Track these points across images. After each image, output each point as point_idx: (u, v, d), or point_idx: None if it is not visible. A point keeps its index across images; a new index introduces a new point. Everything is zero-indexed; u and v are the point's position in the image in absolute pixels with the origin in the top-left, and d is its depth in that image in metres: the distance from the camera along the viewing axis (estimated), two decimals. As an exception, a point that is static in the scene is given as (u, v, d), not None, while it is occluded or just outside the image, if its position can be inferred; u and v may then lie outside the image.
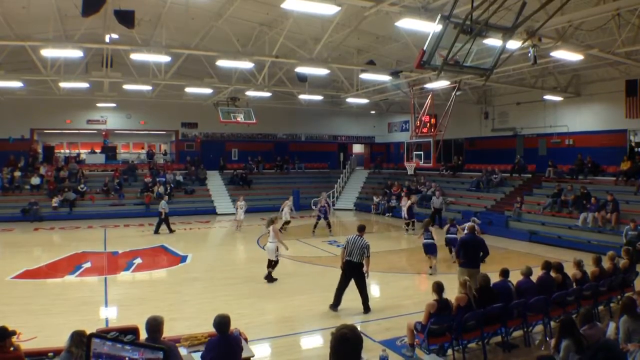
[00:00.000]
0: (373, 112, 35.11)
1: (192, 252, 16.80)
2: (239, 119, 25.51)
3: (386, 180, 31.75)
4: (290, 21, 16.04)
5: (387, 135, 38.35)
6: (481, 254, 10.37)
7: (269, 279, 12.56)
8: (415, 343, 7.59)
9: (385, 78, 20.73)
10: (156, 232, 20.79)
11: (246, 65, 19.39)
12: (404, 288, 12.51)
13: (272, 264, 12.63)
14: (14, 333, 5.76)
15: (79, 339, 5.40)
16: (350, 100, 27.25)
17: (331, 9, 12.42)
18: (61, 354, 5.55)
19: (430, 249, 14.03)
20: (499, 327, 7.94)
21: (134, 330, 6.08)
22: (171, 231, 21.12)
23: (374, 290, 12.43)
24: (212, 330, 5.79)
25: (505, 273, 8.53)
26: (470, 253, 10.29)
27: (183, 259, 16.04)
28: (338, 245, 17.56)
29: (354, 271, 10.01)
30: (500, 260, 13.69)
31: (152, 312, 5.81)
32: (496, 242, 17.58)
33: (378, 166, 35.34)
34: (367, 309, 10.01)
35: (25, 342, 6.19)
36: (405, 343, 7.89)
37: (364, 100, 27.61)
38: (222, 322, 5.65)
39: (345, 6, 12.93)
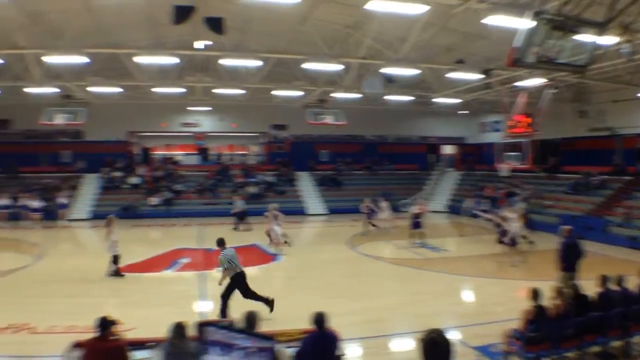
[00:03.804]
0: (463, 112, 35.30)
1: (285, 251, 18.04)
2: (327, 121, 27.19)
3: (479, 182, 31.99)
4: (375, 22, 16.56)
5: (478, 136, 38.32)
6: (578, 257, 10.74)
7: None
8: (511, 350, 7.60)
9: (474, 76, 21.04)
10: (235, 229, 23.63)
11: (333, 67, 20.30)
12: (495, 294, 12.71)
13: None
14: (114, 323, 6.20)
15: (180, 331, 6.06)
16: (439, 100, 27.84)
17: (418, 9, 12.93)
18: (162, 344, 6.16)
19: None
20: (598, 336, 7.85)
21: (232, 324, 6.69)
22: (235, 229, 23.63)
23: (466, 295, 13.28)
24: (304, 327, 6.40)
25: (605, 280, 8.44)
26: (570, 257, 10.69)
27: (275, 257, 17.35)
28: (431, 249, 18.68)
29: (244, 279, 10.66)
30: (599, 267, 13.79)
31: (246, 308, 6.52)
32: (594, 247, 17.15)
33: (471, 167, 35.73)
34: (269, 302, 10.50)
35: (126, 332, 6.76)
36: (500, 350, 7.98)
37: (454, 100, 28.26)
38: (320, 319, 6.19)
39: (432, 4, 13.24)
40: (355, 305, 11.28)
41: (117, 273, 14.43)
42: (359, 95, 26.93)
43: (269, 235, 19.48)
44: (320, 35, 18.66)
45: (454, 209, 31.34)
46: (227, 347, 4.43)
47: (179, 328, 6.05)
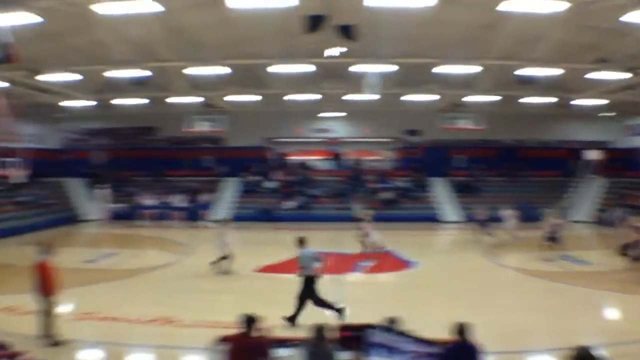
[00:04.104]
0: (607, 114, 33.35)
1: (419, 259, 18.24)
2: (462, 125, 27.72)
3: (625, 190, 30.32)
4: (510, 21, 16.44)
5: (625, 140, 35.91)
6: None
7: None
8: None
9: (618, 76, 20.45)
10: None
11: (467, 69, 20.71)
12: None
13: None
14: (258, 320, 6.60)
15: (321, 332, 6.35)
16: (580, 102, 27.13)
17: (555, 6, 12.98)
18: (303, 344, 6.53)
19: None
20: None
21: (370, 328, 6.82)
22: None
23: (609, 311, 12.86)
24: (440, 336, 6.33)
25: None
26: None
27: (410, 264, 17.64)
28: (573, 261, 18.10)
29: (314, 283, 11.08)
30: None
31: (381, 314, 6.79)
32: None
33: (617, 174, 33.25)
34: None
35: (267, 330, 6.95)
36: None
37: (597, 101, 27.28)
38: (462, 328, 6.24)
39: (569, 1, 13.22)
40: (490, 316, 10.90)
41: (225, 271, 16.09)
42: (495, 98, 26.62)
43: (362, 242, 19.86)
44: (453, 37, 18.79)
45: (599, 219, 29.85)
46: (391, 350, 4.66)
47: (320, 329, 6.38)
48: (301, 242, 11.49)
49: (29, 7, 12.62)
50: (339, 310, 10.93)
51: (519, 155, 35.95)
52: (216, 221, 20.49)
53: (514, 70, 21.47)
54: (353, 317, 9.87)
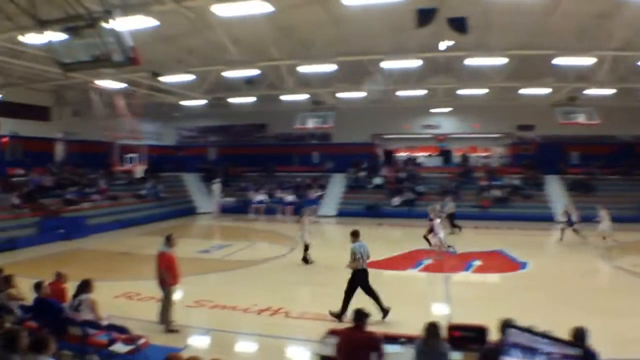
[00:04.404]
0: None
1: (531, 260, 17.59)
2: (578, 120, 25.99)
3: None
4: (628, 9, 15.60)
5: None
6: None
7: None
8: None
9: None
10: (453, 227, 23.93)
11: (585, 61, 19.69)
12: None
13: None
14: (368, 315, 6.68)
15: (435, 330, 6.22)
16: None
17: None
18: (415, 341, 6.44)
19: None
20: None
21: (483, 330, 6.91)
22: (452, 232, 23.69)
23: None
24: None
25: None
26: None
27: (522, 265, 17.02)
28: None
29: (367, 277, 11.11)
30: None
31: (492, 315, 6.70)
32: None
33: None
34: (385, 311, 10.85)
35: (373, 326, 7.04)
36: None
37: None
38: (581, 334, 6.14)
39: None
40: (604, 321, 10.27)
41: (306, 260, 16.99)
42: (613, 91, 25.39)
43: (427, 239, 19.57)
44: (567, 27, 17.97)
45: None
46: (529, 351, 4.44)
47: (434, 327, 6.25)
48: (355, 235, 11.54)
49: (148, 11, 13.48)
50: (385, 310, 10.95)
51: (637, 152, 33.41)
52: (299, 214, 20.94)
53: (634, 62, 20.37)
54: (461, 317, 9.55)
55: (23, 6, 8.64)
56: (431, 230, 19.32)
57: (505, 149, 37.31)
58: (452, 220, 24.59)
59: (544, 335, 4.55)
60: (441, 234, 18.79)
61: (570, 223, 21.95)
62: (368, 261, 11.28)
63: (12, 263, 16.60)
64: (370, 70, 22.11)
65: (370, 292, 11.09)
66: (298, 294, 13.10)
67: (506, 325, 5.06)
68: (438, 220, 19.23)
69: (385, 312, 10.91)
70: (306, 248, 17.30)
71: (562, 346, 4.50)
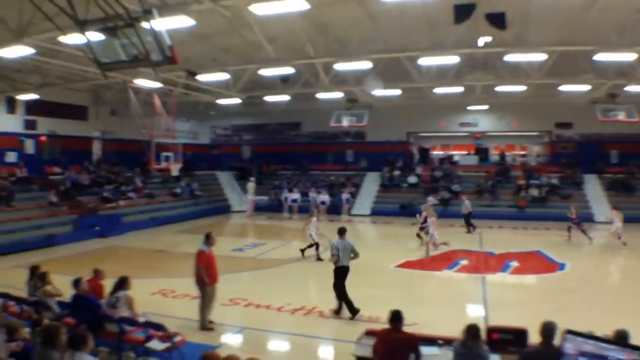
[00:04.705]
0: None
1: (570, 261, 17.25)
2: (618, 118, 25.01)
3: None
4: None
5: None
6: None
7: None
8: None
9: None
10: (468, 231, 23.96)
11: (625, 57, 19.14)
12: None
13: None
14: (402, 317, 6.60)
15: (475, 332, 6.12)
16: None
17: None
18: (454, 344, 6.37)
19: None
20: None
21: (524, 332, 6.73)
22: (468, 231, 23.97)
23: None
24: None
25: None
26: None
27: (561, 266, 16.70)
28: None
29: (346, 274, 11.33)
30: None
31: (529, 317, 6.66)
32: None
33: None
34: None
35: (407, 327, 6.85)
36: None
37: None
38: (626, 338, 5.75)
39: None
40: None
41: (318, 258, 17.51)
42: None
43: (419, 236, 19.66)
44: (607, 22, 17.57)
45: None
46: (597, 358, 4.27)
47: (474, 329, 6.15)
48: (341, 232, 11.83)
49: (186, 10, 13.62)
50: (355, 311, 11.14)
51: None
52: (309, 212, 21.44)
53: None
54: (498, 319, 9.34)
55: (62, 6, 8.77)
56: (423, 228, 19.33)
57: (543, 147, 36.71)
58: (468, 219, 24.61)
59: (610, 342, 4.34)
60: (434, 231, 18.83)
61: (578, 222, 21.79)
62: (354, 259, 11.56)
63: (50, 259, 17.04)
64: (407, 67, 21.90)
65: (344, 290, 11.36)
66: (332, 294, 12.99)
67: (564, 332, 4.68)
68: (433, 219, 19.17)
69: (337, 311, 11.35)
70: (316, 247, 17.60)
71: (633, 352, 4.26)
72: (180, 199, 31.85)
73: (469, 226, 24.45)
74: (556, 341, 5.80)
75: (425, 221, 19.29)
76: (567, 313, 10.37)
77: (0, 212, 21.50)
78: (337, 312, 11.32)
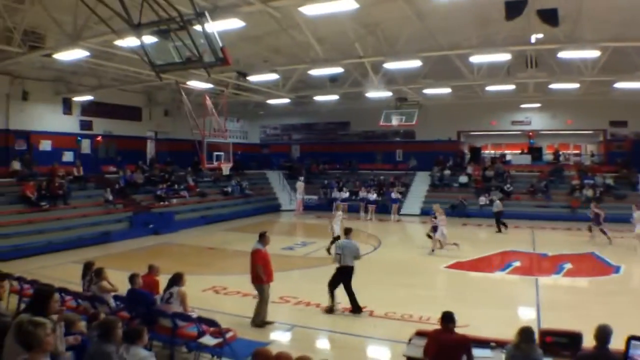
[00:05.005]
0: None
1: (625, 264, 16.75)
2: None
3: None
4: None
5: None
6: None
7: None
8: None
9: None
10: (499, 230, 23.93)
11: None
12: None
13: None
14: (454, 318, 6.61)
15: (529, 335, 5.98)
16: None
17: None
18: (507, 346, 6.25)
19: None
20: None
21: (578, 336, 6.60)
22: (499, 231, 23.91)
23: None
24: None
25: None
26: None
27: (616, 269, 16.20)
28: None
29: (349, 274, 11.41)
30: None
31: (583, 320, 6.54)
32: None
33: None
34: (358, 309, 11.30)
35: (458, 328, 6.76)
36: None
37: None
38: None
39: None
40: None
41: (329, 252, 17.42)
42: None
43: (430, 237, 19.40)
44: None
45: None
46: None
47: (528, 332, 6.00)
48: (347, 232, 12.28)
49: (236, 12, 13.81)
50: (357, 309, 11.40)
51: None
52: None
53: None
54: (551, 322, 9.13)
55: (116, 10, 9.01)
56: (435, 228, 19.15)
57: (598, 146, 35.70)
58: (499, 218, 24.47)
59: None
60: (444, 230, 18.82)
61: (597, 222, 21.29)
62: (356, 260, 11.69)
63: (106, 256, 17.57)
64: (457, 65, 21.70)
65: (331, 289, 11.50)
66: (382, 294, 13.01)
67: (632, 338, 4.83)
68: (442, 217, 19.13)
69: (331, 310, 11.48)
70: (334, 240, 17.44)
71: None
72: (230, 198, 32.37)
73: (500, 225, 24.37)
74: (612, 346, 5.73)
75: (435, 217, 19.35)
76: (622, 317, 9.80)
77: (58, 210, 22.25)
78: (330, 311, 11.53)
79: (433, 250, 18.73)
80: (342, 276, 11.46)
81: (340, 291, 11.52)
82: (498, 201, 25.24)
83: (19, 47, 16.74)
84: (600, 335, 5.64)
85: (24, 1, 15.17)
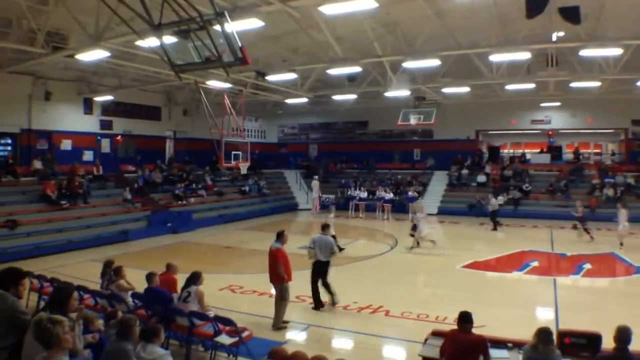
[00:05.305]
0: None
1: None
2: None
3: None
4: None
5: None
6: None
7: None
8: None
9: None
10: (494, 229, 24.14)
11: None
12: None
13: None
14: (471, 318, 6.52)
15: (547, 336, 5.92)
16: None
17: None
18: (524, 347, 6.19)
19: None
20: None
21: (597, 337, 6.50)
22: (494, 229, 24.02)
23: None
24: None
25: None
26: None
27: (636, 270, 15.94)
28: None
29: (321, 269, 11.61)
30: None
31: (603, 321, 6.48)
32: None
33: None
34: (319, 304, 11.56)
35: (475, 329, 6.67)
36: None
37: None
38: None
39: None
40: None
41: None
42: None
43: (412, 236, 19.24)
44: None
45: None
46: None
47: (546, 333, 5.95)
48: (323, 228, 12.42)
49: (256, 12, 13.85)
50: (319, 305, 11.69)
51: None
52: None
53: None
54: (570, 323, 9.11)
55: (137, 11, 9.09)
56: (415, 226, 19.17)
57: (619, 145, 35.24)
58: (494, 217, 24.65)
59: None
60: (425, 229, 19.06)
61: (582, 220, 21.45)
62: (334, 257, 12.03)
63: (124, 254, 17.74)
64: (477, 63, 21.66)
65: (314, 285, 11.73)
66: (399, 293, 12.99)
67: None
68: (420, 215, 19.31)
69: (318, 306, 11.69)
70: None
71: None
72: (248, 197, 32.48)
73: (495, 224, 24.58)
74: (632, 347, 5.69)
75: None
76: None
77: (78, 209, 22.47)
78: (332, 305, 11.80)
79: (412, 248, 18.94)
80: (314, 270, 11.75)
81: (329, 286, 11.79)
82: (494, 199, 25.47)
83: (42, 48, 16.94)
84: (620, 337, 5.58)
85: (48, 3, 15.32)
